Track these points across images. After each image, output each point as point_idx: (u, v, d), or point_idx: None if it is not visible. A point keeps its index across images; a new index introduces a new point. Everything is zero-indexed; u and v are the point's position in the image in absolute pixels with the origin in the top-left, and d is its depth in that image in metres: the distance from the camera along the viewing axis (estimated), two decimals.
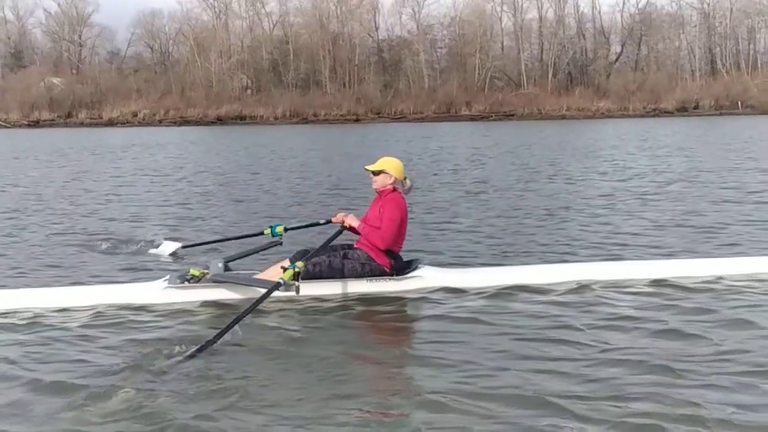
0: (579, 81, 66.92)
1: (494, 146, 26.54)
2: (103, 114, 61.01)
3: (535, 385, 3.84)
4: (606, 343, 4.53)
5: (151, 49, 73.49)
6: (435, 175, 16.08)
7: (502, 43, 71.77)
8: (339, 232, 5.90)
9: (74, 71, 67.79)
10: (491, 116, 60.19)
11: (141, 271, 6.68)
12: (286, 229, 6.41)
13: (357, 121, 59.69)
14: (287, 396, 3.78)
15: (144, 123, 59.20)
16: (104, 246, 7.79)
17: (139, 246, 7.57)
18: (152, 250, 7.39)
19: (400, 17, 72.59)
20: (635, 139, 29.24)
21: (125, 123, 59.13)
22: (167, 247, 7.33)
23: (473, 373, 4.05)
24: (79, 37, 71.51)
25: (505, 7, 70.21)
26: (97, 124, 58.73)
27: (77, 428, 3.44)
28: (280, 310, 5.37)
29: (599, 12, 71.71)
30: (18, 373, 4.15)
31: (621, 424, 3.39)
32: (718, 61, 68.88)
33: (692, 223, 8.95)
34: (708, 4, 69.25)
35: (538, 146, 25.96)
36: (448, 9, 72.50)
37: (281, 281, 5.15)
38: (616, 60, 71.77)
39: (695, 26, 69.59)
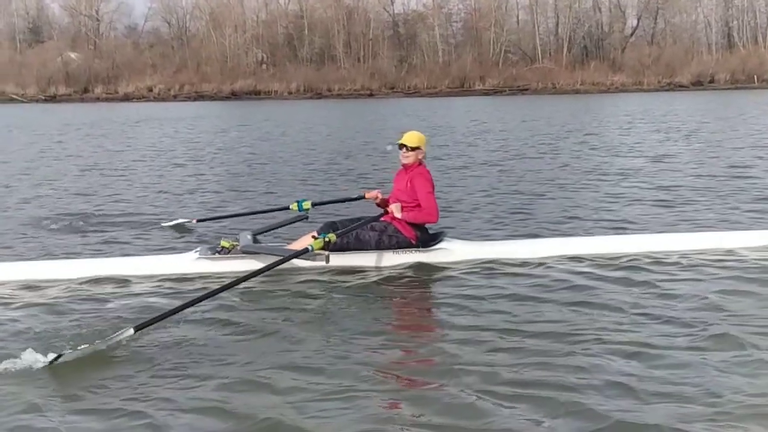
0: (594, 55, 66.41)
1: (509, 120, 26.63)
2: (118, 89, 61.33)
3: (563, 357, 3.88)
4: (642, 313, 4.59)
5: (168, 23, 73.37)
6: (459, 146, 16.33)
7: (518, 17, 71.29)
8: (378, 217, 5.89)
9: (91, 46, 67.94)
10: (504, 90, 60.04)
11: (170, 245, 6.85)
12: (313, 204, 6.54)
13: (371, 95, 59.73)
14: (314, 365, 3.85)
15: (159, 98, 59.46)
16: (134, 220, 8.05)
17: (173, 221, 7.71)
18: (164, 224, 7.61)
19: None
20: (647, 114, 29.18)
21: (140, 98, 59.41)
22: (198, 220, 7.59)
23: (500, 345, 4.09)
24: (97, 11, 71.50)
25: None
26: (112, 99, 59.06)
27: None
28: (307, 281, 5.50)
29: None
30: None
31: (669, 395, 3.43)
32: (735, 35, 68.08)
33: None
34: None
35: (554, 119, 26.02)
36: None
37: (309, 248, 5.28)
38: (632, 34, 71.03)
39: None
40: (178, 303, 4.62)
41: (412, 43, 69.46)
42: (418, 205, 5.87)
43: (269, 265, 5.08)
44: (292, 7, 70.46)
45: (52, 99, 58.98)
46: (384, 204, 6.11)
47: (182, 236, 7.26)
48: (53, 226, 7.80)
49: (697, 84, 60.35)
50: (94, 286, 5.42)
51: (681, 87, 59.81)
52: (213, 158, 15.60)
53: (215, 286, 4.88)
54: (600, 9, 69.71)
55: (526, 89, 60.49)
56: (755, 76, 60.24)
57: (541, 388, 3.54)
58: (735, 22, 68.50)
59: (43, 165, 14.50)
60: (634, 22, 71.82)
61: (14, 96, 58.41)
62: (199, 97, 59.19)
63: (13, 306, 5.02)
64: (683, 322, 4.45)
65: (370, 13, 68.37)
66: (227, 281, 4.87)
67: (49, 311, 4.85)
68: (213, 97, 58.76)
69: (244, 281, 4.85)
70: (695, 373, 3.70)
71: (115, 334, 4.07)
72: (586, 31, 67.27)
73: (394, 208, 5.86)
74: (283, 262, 5.19)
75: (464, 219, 8.09)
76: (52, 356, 3.81)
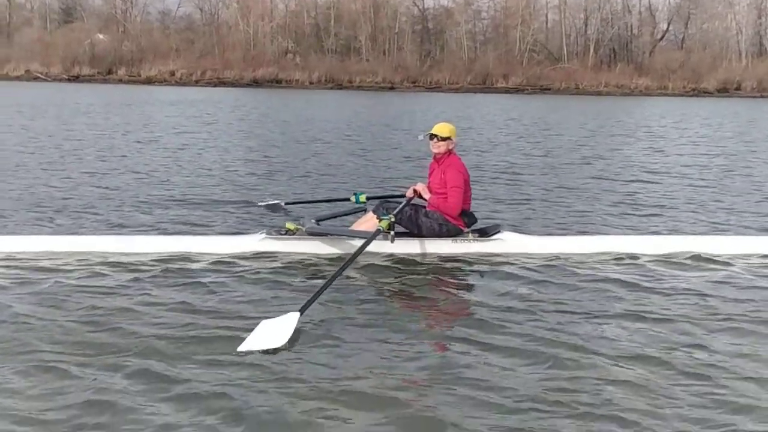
0: (621, 57, 65.75)
1: (543, 118, 26.50)
2: (141, 72, 61.44)
3: (624, 351, 3.95)
4: (711, 313, 4.66)
5: (201, 10, 73.48)
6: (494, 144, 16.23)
7: (546, 16, 70.76)
8: (410, 200, 6.19)
9: (121, 30, 68.10)
10: (527, 89, 59.61)
11: (237, 226, 7.15)
12: (368, 198, 6.89)
13: (392, 89, 59.49)
14: (383, 353, 3.94)
15: (180, 82, 59.54)
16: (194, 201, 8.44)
17: (268, 202, 8.05)
18: (260, 203, 7.99)
19: None
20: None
21: (162, 82, 59.52)
22: (271, 201, 7.94)
23: (556, 337, 4.17)
24: None
25: None
26: (135, 82, 59.21)
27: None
28: (369, 265, 5.67)
29: None
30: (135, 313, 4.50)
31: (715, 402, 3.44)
32: (766, 43, 67.20)
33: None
34: None
35: (587, 120, 25.85)
36: None
37: (380, 228, 5.54)
38: (662, 38, 70.33)
39: (745, 5, 67.71)
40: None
41: (438, 38, 69.08)
42: (446, 196, 6.04)
43: (362, 246, 5.35)
44: None
45: (76, 79, 59.18)
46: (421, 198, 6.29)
47: (266, 216, 7.55)
48: (133, 204, 8.15)
49: (723, 90, 59.67)
50: (171, 263, 5.59)
51: (706, 93, 59.20)
52: (247, 145, 15.60)
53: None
54: (630, 11, 69.05)
55: (549, 89, 60.03)
56: None
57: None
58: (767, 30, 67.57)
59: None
60: (665, 26, 71.16)
61: (38, 74, 58.71)
62: (221, 83, 59.21)
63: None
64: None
65: (400, 7, 68.00)
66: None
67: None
68: (234, 84, 58.76)
69: (351, 263, 5.06)
70: None
71: (288, 322, 4.09)
72: (615, 33, 66.62)
73: (421, 189, 6.16)
74: (368, 244, 5.39)
75: (518, 213, 8.14)
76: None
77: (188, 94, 41.03)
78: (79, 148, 13.55)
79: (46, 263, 5.50)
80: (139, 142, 15.18)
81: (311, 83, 60.19)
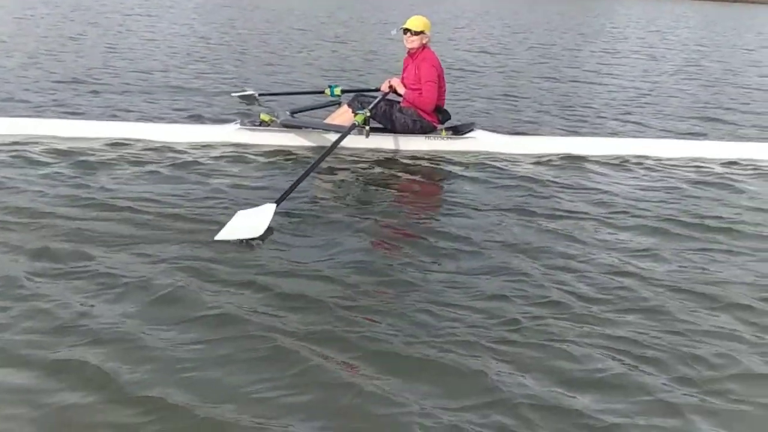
0: None
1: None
2: None
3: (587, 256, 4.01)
4: (665, 213, 4.83)
5: None
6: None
7: None
8: (386, 95, 6.10)
9: None
10: None
11: (209, 115, 7.03)
12: (343, 91, 6.82)
13: None
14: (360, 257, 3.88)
15: None
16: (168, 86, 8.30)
17: (242, 92, 7.88)
18: (234, 94, 7.84)
19: None
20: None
21: None
22: (246, 92, 7.78)
23: (525, 239, 4.23)
24: None
25: None
26: None
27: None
28: (344, 159, 5.69)
29: None
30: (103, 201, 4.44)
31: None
32: None
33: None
34: None
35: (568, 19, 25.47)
36: None
37: (356, 123, 5.50)
38: None
39: None
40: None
41: None
42: (421, 91, 6.01)
43: (337, 139, 5.29)
44: None
45: None
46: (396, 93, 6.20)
47: (239, 107, 7.48)
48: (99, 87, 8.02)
49: None
50: (143, 152, 5.51)
51: None
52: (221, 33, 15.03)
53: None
54: None
55: None
56: None
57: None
58: None
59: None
60: None
61: None
62: None
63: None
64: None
65: None
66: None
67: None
68: None
69: (326, 156, 4.97)
70: None
71: (264, 213, 4.06)
72: None
73: (396, 84, 6.07)
74: (343, 138, 5.33)
75: (497, 112, 8.17)
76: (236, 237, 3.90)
77: None
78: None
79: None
80: (93, 24, 14.53)
81: None
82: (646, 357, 2.95)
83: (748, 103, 9.82)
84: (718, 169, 6.05)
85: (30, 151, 5.30)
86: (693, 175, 5.84)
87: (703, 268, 3.93)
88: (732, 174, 5.94)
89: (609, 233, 4.41)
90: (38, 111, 6.73)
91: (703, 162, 6.23)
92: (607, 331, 3.14)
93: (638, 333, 3.14)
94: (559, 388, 2.71)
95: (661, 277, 3.75)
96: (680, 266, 3.93)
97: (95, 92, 7.79)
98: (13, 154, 5.22)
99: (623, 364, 2.89)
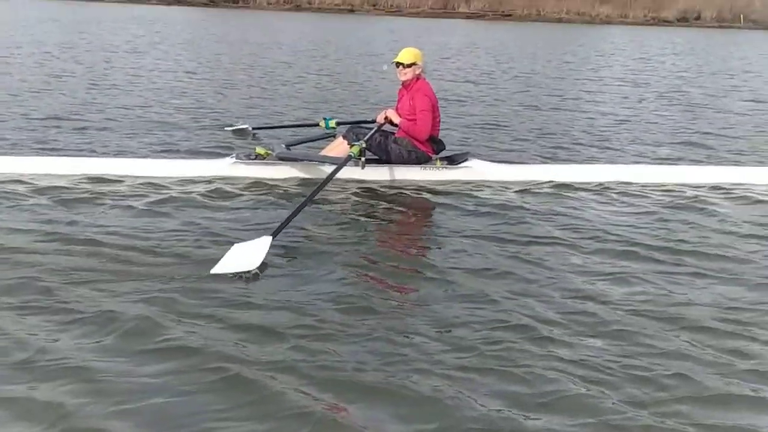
0: None
1: (507, 46, 26.33)
2: None
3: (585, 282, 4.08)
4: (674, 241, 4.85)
5: None
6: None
7: None
8: (381, 126, 6.14)
9: None
10: (488, 15, 58.82)
11: (204, 149, 7.09)
12: (337, 123, 6.86)
13: (351, 11, 58.05)
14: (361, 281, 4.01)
15: None
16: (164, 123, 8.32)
17: (235, 126, 7.96)
18: (227, 128, 7.90)
19: None
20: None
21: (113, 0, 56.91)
22: (239, 126, 7.86)
23: (521, 265, 4.30)
24: None
25: None
26: None
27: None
28: (340, 191, 5.74)
29: None
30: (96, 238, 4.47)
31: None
32: None
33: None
34: None
35: (556, 49, 25.80)
36: None
37: (352, 155, 5.53)
38: None
39: None
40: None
41: None
42: (415, 120, 6.04)
43: (333, 171, 5.32)
44: None
45: None
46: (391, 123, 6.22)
47: (233, 141, 7.51)
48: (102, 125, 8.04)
49: (683, 20, 59.73)
50: (141, 187, 5.55)
51: (666, 22, 59.22)
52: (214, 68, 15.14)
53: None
54: None
55: (510, 15, 59.26)
56: (741, 16, 59.76)
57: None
58: None
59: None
60: None
61: None
62: (175, 1, 56.82)
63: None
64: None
65: None
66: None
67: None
68: (190, 3, 56.48)
69: (323, 188, 5.05)
70: None
71: (260, 246, 4.08)
72: None
73: (391, 114, 6.09)
74: (339, 170, 5.37)
75: (484, 141, 8.25)
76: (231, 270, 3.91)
77: (140, 12, 39.47)
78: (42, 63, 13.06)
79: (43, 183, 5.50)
80: (103, 63, 14.68)
81: (269, 3, 58.31)
82: (600, 379, 3.00)
83: (726, 128, 9.96)
84: (691, 193, 6.13)
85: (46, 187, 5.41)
86: (666, 199, 5.93)
87: (667, 291, 3.99)
88: (704, 197, 6.03)
89: (590, 259, 4.47)
90: (18, 149, 6.74)
91: (677, 186, 6.31)
92: (565, 355, 3.19)
93: (595, 356, 3.19)
94: (512, 411, 2.75)
95: (624, 300, 3.81)
96: (644, 289, 3.99)
97: (82, 129, 7.79)
98: None
99: (577, 386, 2.93)
